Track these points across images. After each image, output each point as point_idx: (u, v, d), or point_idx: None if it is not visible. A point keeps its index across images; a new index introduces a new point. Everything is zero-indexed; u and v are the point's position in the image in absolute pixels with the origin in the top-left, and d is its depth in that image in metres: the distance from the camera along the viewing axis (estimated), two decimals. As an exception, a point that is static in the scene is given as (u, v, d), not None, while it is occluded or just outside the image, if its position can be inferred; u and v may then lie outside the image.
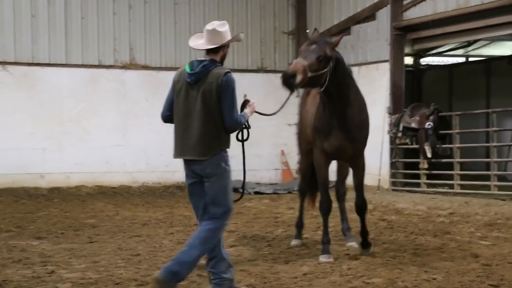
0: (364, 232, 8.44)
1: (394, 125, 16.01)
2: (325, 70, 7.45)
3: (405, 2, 16.18)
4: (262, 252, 8.65)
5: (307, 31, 19.12)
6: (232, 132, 6.14)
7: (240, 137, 6.39)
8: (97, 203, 14.58)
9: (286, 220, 11.86)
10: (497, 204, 12.83)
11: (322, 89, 7.62)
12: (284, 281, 6.79)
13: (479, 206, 12.87)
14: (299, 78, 7.14)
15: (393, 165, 16.31)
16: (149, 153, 17.30)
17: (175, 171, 17.62)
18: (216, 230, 6.10)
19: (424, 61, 21.60)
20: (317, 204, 8.79)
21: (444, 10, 15.12)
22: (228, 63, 20.83)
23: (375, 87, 16.15)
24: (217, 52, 6.20)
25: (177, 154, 6.23)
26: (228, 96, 6.01)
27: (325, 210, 8.29)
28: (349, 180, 8.96)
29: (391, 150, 16.22)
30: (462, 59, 21.79)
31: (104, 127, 16.98)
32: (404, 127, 15.81)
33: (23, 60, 16.38)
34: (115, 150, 17.06)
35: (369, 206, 13.44)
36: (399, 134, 15.92)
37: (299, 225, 9.35)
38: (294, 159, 19.01)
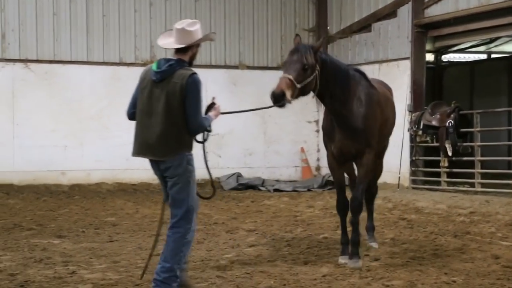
0: (353, 238, 7.91)
1: (415, 123, 15.96)
2: (313, 75, 7.42)
3: (426, 0, 16.10)
4: (281, 252, 8.64)
5: (328, 28, 19.10)
6: (195, 134, 6.09)
7: (199, 139, 6.32)
8: (117, 201, 14.66)
9: (305, 219, 11.86)
10: (518, 203, 12.76)
11: (315, 93, 7.61)
12: (304, 283, 6.78)
13: (500, 205, 12.80)
14: (288, 94, 7.13)
15: (413, 163, 16.26)
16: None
17: (195, 168, 17.71)
18: (183, 237, 6.10)
19: (445, 57, 21.45)
20: None
21: (466, 8, 15.04)
22: (249, 61, 21.05)
23: (395, 85, 15.96)
24: (186, 52, 6.12)
25: (135, 153, 6.18)
26: (192, 98, 5.92)
27: (341, 211, 8.22)
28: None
29: (412, 148, 16.17)
30: (484, 56, 21.61)
31: (125, 125, 16.76)
32: (424, 125, 15.76)
33: (45, 58, 16.52)
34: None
35: (389, 205, 13.51)
36: (420, 132, 15.88)
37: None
38: (313, 157, 19.03)
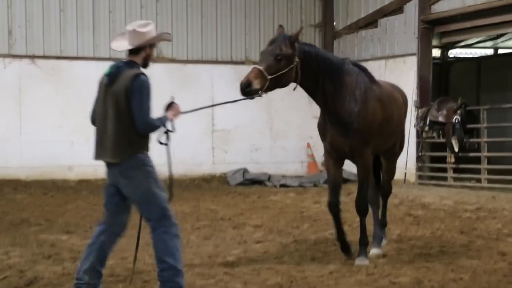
0: (361, 239, 7.91)
1: (421, 118, 15.96)
2: (290, 66, 7.23)
3: (433, -5, 16.09)
4: (288, 248, 8.67)
5: (334, 23, 19.09)
6: (144, 134, 5.91)
7: (161, 140, 6.17)
8: (124, 196, 14.69)
9: (312, 214, 11.89)
10: (525, 200, 12.77)
11: (296, 85, 7.45)
12: (311, 280, 6.81)
13: (506, 201, 12.81)
14: (256, 85, 7.03)
15: (419, 159, 16.28)
16: (175, 145, 17.21)
17: (201, 163, 17.78)
18: (167, 232, 6.00)
19: (452, 53, 21.42)
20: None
21: (473, 4, 15.01)
22: (255, 56, 21.01)
23: (402, 81, 15.98)
24: (138, 53, 6.05)
25: (95, 157, 6.14)
26: (136, 98, 5.82)
27: (333, 212, 7.93)
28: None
29: (418, 143, 16.18)
30: (491, 52, 21.58)
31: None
32: (431, 121, 15.76)
33: (51, 54, 16.55)
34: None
35: (395, 200, 13.51)
36: (426, 128, 15.88)
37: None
38: (320, 152, 18.98)
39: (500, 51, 21.37)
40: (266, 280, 6.80)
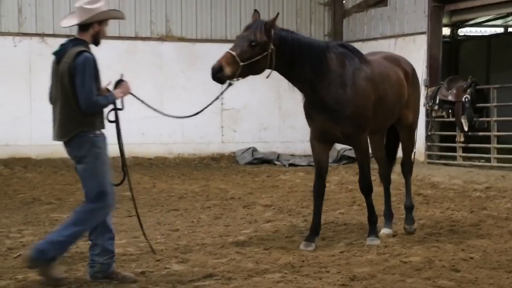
0: (369, 217, 7.87)
1: (431, 98, 15.93)
2: (264, 54, 7.05)
3: (443, -27, 15.99)
4: (298, 228, 8.70)
5: (344, 1, 18.99)
6: (88, 113, 5.81)
7: (110, 118, 6.10)
8: (133, 175, 14.69)
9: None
10: (534, 179, 12.77)
11: (271, 71, 7.23)
12: (322, 259, 6.84)
13: (515, 180, 12.82)
14: (227, 70, 6.86)
15: (429, 138, 16.26)
16: (184, 125, 17.40)
17: (210, 142, 17.83)
18: (89, 213, 5.92)
19: (462, 31, 21.29)
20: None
21: (484, -18, 14.93)
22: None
23: (411, 60, 15.58)
24: (87, 31, 5.95)
25: (52, 137, 6.12)
26: (79, 76, 5.76)
27: (317, 194, 7.66)
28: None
29: (427, 123, 16.14)
30: (501, 30, 21.44)
31: (140, 98, 17.09)
32: (440, 100, 15.72)
33: (61, 32, 16.46)
34: (151, 121, 17.14)
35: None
36: (436, 107, 15.84)
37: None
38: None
39: (510, 30, 21.23)
40: (277, 260, 6.84)
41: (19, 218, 9.41)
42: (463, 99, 15.11)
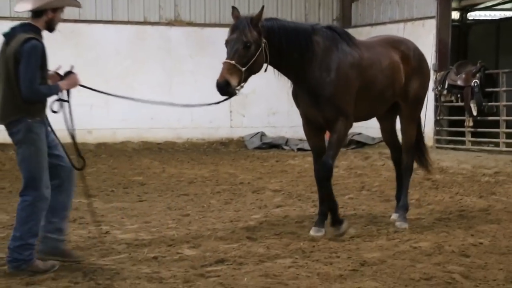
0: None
1: (440, 82, 15.92)
2: (260, 50, 6.86)
3: (453, -43, 15.93)
4: (308, 213, 8.74)
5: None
6: (29, 100, 5.74)
7: (53, 108, 6.02)
8: (143, 159, 14.85)
9: (330, 178, 11.93)
10: (543, 163, 12.77)
11: (267, 65, 7.03)
12: (333, 245, 6.87)
13: (524, 165, 12.83)
14: (234, 82, 6.68)
15: (437, 122, 16.27)
16: (193, 110, 17.46)
17: (219, 127, 17.88)
18: (28, 208, 5.87)
19: (471, 15, 21.22)
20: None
21: (494, -35, 14.86)
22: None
23: (420, 44, 15.60)
24: (40, 17, 5.89)
25: None
26: (23, 63, 5.70)
27: (317, 179, 7.57)
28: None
29: (436, 107, 16.16)
30: (510, 14, 21.35)
31: (149, 84, 17.17)
32: (449, 85, 15.73)
33: (70, 17, 16.55)
34: (160, 106, 17.20)
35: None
36: (444, 92, 15.84)
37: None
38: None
39: (519, 13, 21.17)
40: (288, 245, 6.88)
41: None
42: (472, 84, 15.11)
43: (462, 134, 15.96)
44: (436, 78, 15.96)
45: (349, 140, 17.37)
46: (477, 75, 15.18)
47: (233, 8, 7.13)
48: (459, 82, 15.46)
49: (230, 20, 7.19)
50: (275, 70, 7.28)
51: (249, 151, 17.00)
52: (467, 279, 5.70)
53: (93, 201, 9.68)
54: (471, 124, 15.54)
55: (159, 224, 8.05)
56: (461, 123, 15.95)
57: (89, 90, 6.68)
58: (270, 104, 18.40)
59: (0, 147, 15.17)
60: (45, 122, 6.00)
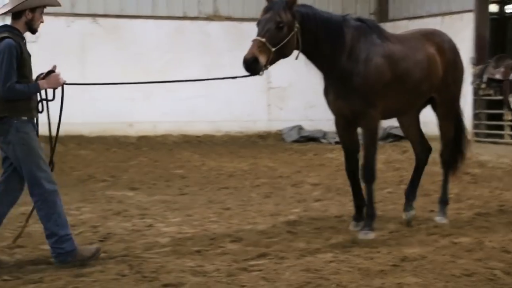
0: (367, 209, 7.41)
1: (478, 76, 15.82)
2: (292, 33, 6.72)
3: (492, -51, 15.81)
4: (347, 207, 8.71)
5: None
6: (5, 98, 5.81)
7: (39, 107, 6.07)
8: (183, 152, 15.04)
9: (368, 172, 11.98)
10: None
11: (299, 52, 6.93)
12: (373, 239, 6.96)
13: None
14: (262, 59, 6.53)
15: (476, 116, 16.19)
16: (231, 103, 17.64)
17: (256, 120, 18.01)
18: (42, 204, 5.97)
19: (509, 8, 21.01)
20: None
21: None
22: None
23: (458, 38, 15.58)
24: (19, 18, 5.95)
25: None
26: None
27: (349, 177, 7.55)
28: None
29: (474, 101, 16.07)
30: (551, 5, 21.10)
31: (189, 78, 17.31)
32: (488, 78, 15.62)
33: (112, 13, 16.86)
34: (199, 100, 17.45)
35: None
36: (483, 85, 15.75)
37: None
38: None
39: (560, 5, 20.88)
40: (328, 239, 6.97)
41: (77, 195, 9.69)
42: (511, 78, 15.02)
43: (501, 127, 15.87)
44: (474, 71, 15.88)
45: (386, 134, 17.37)
46: (516, 68, 15.08)
47: None
48: (498, 76, 15.36)
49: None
50: (307, 62, 7.20)
51: (287, 144, 17.11)
52: (509, 276, 5.71)
53: (136, 193, 9.96)
54: (510, 117, 15.44)
55: (201, 217, 8.20)
56: (499, 117, 15.86)
57: (124, 85, 6.62)
58: (307, 97, 18.42)
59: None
60: (33, 122, 6.03)
